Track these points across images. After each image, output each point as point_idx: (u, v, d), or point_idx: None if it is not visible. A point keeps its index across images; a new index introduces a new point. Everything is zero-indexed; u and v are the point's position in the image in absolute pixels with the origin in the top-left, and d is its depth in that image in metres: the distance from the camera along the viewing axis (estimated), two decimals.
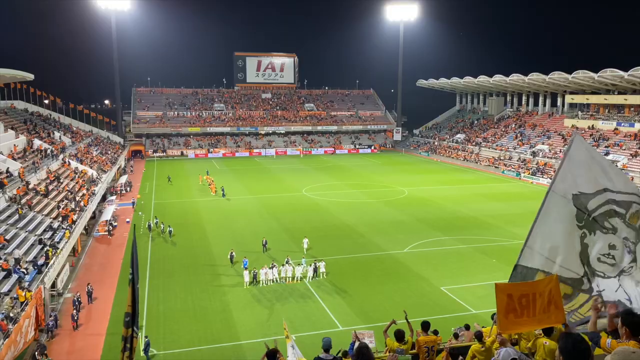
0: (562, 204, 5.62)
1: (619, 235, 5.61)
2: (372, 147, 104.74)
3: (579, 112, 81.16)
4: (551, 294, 5.56)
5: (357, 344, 10.88)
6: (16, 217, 33.89)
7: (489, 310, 20.88)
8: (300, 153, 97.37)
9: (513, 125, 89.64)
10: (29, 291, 23.98)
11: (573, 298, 5.85)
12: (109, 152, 75.38)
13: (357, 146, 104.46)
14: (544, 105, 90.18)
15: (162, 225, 41.66)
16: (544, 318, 5.60)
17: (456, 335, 13.94)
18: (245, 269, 30.59)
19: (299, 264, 31.34)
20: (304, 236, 37.32)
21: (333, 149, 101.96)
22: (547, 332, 7.10)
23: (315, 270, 31.03)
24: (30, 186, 41.07)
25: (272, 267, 30.54)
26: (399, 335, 9.76)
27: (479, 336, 9.10)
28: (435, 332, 12.00)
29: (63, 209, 39.15)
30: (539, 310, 5.56)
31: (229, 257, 33.43)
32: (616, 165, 48.49)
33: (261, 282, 29.95)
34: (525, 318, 5.57)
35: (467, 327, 15.76)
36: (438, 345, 9.69)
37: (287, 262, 31.41)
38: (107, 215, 43.74)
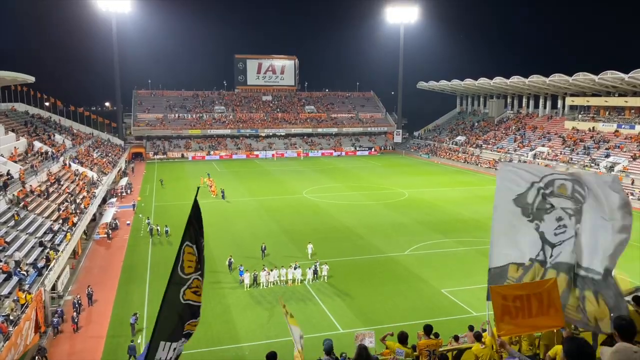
0: (508, 209, 6.71)
1: (558, 206, 6.45)
2: (370, 150, 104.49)
3: (579, 115, 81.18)
4: (550, 296, 5.55)
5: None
6: (16, 219, 33.89)
7: (490, 313, 20.80)
8: (298, 155, 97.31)
9: (513, 128, 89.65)
10: (29, 293, 23.97)
11: (529, 270, 6.42)
12: (110, 155, 75.43)
13: (358, 148, 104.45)
14: (545, 107, 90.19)
15: (157, 228, 41.21)
16: (541, 321, 5.58)
17: (456, 338, 13.90)
18: (243, 275, 30.25)
19: (297, 268, 31.14)
20: (304, 239, 37.27)
21: (331, 152, 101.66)
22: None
23: (316, 272, 30.95)
24: (30, 188, 41.07)
25: (272, 270, 30.45)
26: (402, 337, 9.71)
27: (477, 337, 9.06)
28: (436, 335, 11.97)
29: (63, 211, 39.16)
30: (535, 312, 5.55)
31: (227, 263, 32.96)
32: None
33: (262, 284, 29.91)
34: (520, 320, 5.58)
35: (471, 328, 15.75)
36: (439, 349, 9.66)
37: (295, 268, 30.90)
38: (107, 217, 43.74)
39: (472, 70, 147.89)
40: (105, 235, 41.10)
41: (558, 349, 6.91)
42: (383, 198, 56.12)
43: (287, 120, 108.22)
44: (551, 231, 6.42)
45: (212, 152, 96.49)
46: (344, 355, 10.74)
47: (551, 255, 6.35)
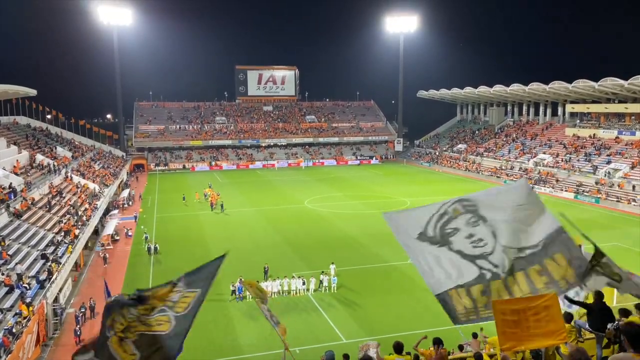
0: (416, 246, 6.68)
1: (461, 226, 6.50)
2: (362, 159, 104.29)
3: (578, 121, 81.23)
4: (549, 311, 5.55)
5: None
6: (18, 232, 33.90)
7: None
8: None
9: (514, 135, 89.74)
10: (31, 305, 23.92)
11: (490, 290, 6.36)
12: (111, 166, 75.58)
13: (359, 157, 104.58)
14: (545, 114, 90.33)
15: (155, 246, 39.65)
16: (539, 335, 5.57)
17: (461, 347, 13.84)
18: (242, 292, 29.65)
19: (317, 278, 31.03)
20: (308, 250, 37.12)
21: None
22: None
23: (321, 282, 30.87)
24: (32, 201, 41.11)
25: (275, 280, 30.37)
26: (398, 347, 9.63)
27: (478, 358, 8.87)
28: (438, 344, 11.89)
29: (65, 223, 39.16)
30: (532, 326, 5.55)
31: (231, 289, 30.47)
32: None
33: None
34: (519, 334, 5.58)
35: (475, 336, 15.76)
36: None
37: (303, 282, 30.77)
38: (109, 229, 43.71)
39: (472, 78, 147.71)
40: (106, 246, 40.86)
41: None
42: (385, 207, 56.03)
43: (288, 130, 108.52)
44: (468, 247, 6.45)
45: (213, 163, 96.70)
46: (346, 355, 10.70)
47: (495, 265, 6.31)
